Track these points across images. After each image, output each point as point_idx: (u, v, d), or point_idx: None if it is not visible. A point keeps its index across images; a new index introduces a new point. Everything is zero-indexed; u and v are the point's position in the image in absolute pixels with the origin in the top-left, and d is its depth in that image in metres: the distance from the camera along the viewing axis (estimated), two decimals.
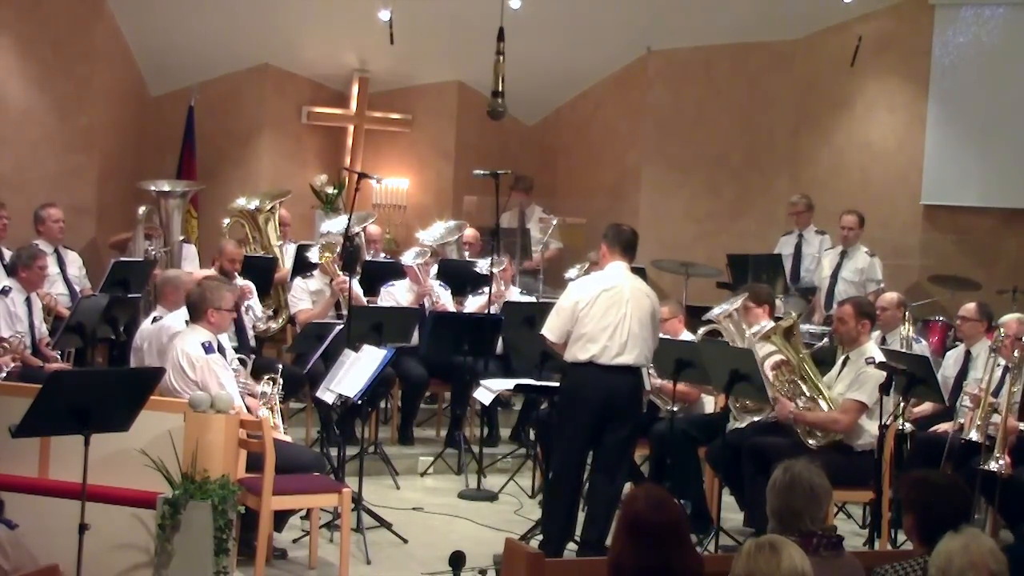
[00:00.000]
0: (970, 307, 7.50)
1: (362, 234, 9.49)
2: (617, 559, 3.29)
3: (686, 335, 7.31)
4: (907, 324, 7.81)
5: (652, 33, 11.32)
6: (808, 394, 6.42)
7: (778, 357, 6.51)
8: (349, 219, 7.81)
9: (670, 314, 7.46)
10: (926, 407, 7.17)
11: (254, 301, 8.25)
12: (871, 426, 6.22)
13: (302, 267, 8.75)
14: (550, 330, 6.08)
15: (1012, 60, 10.43)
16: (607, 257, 6.15)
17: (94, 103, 10.19)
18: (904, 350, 7.33)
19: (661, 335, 7.24)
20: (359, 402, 6.45)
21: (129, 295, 7.78)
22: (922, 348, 7.71)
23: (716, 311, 7.23)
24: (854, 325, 6.49)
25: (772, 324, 6.71)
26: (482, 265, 8.79)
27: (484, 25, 9.99)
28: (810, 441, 6.32)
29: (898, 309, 7.80)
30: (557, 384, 6.48)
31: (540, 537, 6.18)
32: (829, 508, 4.14)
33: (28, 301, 7.26)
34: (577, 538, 6.06)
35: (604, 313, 5.92)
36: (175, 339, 6.22)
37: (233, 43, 10.84)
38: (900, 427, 6.59)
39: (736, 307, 7.22)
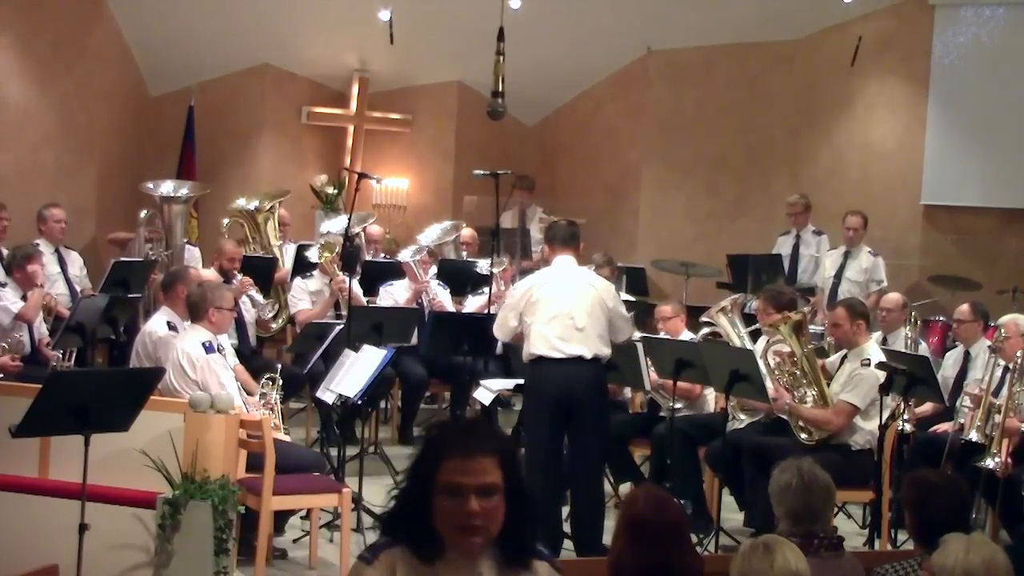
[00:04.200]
0: (964, 308, 7.49)
1: (362, 234, 9.50)
2: (617, 559, 3.29)
3: (686, 335, 7.31)
4: (912, 324, 7.80)
5: (652, 33, 11.32)
6: (806, 388, 6.41)
7: (784, 348, 6.49)
8: (349, 219, 7.82)
9: (673, 313, 7.47)
10: (926, 407, 7.17)
11: (253, 291, 8.24)
12: (867, 425, 6.22)
13: (302, 267, 8.75)
14: (497, 329, 6.25)
15: (1012, 60, 10.44)
16: (551, 254, 6.31)
17: (94, 103, 10.18)
18: (906, 351, 7.33)
19: (663, 335, 7.26)
20: (359, 402, 6.45)
21: (129, 295, 7.78)
22: (922, 350, 7.71)
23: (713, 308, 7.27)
24: (849, 327, 6.47)
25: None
26: (483, 265, 8.79)
27: (484, 25, 9.99)
28: (803, 436, 6.33)
29: (902, 311, 7.79)
30: None
31: None
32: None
33: (25, 299, 7.26)
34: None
35: (546, 307, 5.98)
36: (175, 339, 6.24)
37: (233, 43, 10.84)
38: (900, 427, 6.59)
39: (729, 302, 7.24)
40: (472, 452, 2.48)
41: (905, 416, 6.76)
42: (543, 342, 5.96)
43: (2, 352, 6.79)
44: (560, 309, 5.97)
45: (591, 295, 6.04)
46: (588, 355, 5.96)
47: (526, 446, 6.32)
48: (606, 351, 6.07)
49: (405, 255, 8.72)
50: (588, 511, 6.02)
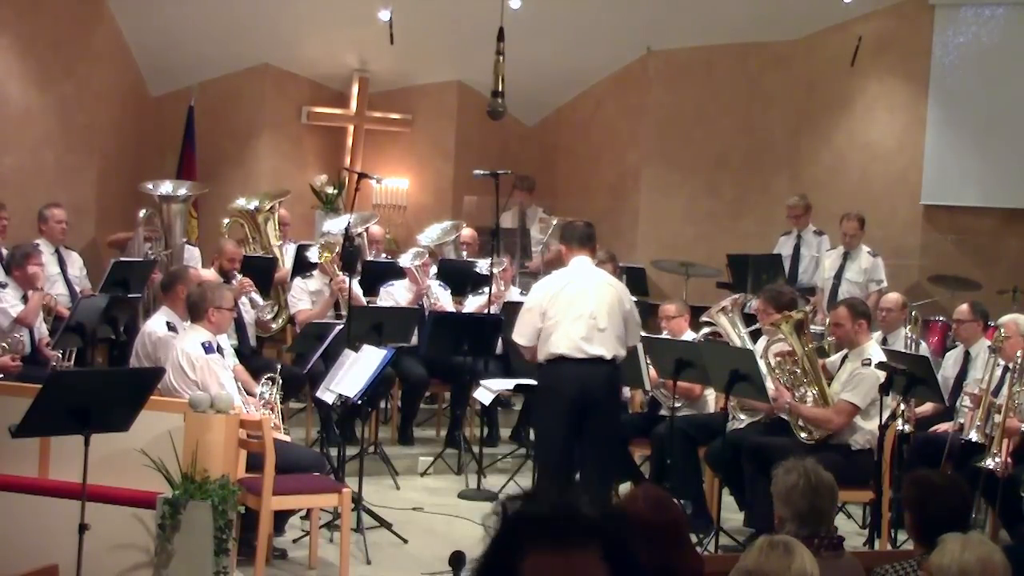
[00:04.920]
0: (963, 309, 7.49)
1: (364, 235, 9.50)
2: None
3: (689, 334, 7.31)
4: (913, 324, 7.79)
5: (652, 33, 11.32)
6: (807, 388, 6.41)
7: (784, 347, 6.50)
8: (349, 219, 7.82)
9: (677, 312, 7.48)
10: (926, 407, 7.17)
11: (252, 292, 8.24)
12: (868, 425, 6.23)
13: (302, 267, 8.75)
14: (520, 334, 6.09)
15: (1012, 60, 10.43)
16: (568, 255, 6.20)
17: (94, 103, 10.18)
18: (907, 351, 7.32)
19: (665, 335, 7.26)
20: (359, 402, 6.45)
21: (129, 295, 7.78)
22: (923, 350, 7.70)
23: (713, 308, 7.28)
24: (851, 327, 6.49)
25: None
26: (483, 265, 8.79)
27: (484, 25, 9.99)
28: (803, 435, 6.33)
29: (901, 311, 7.79)
30: None
31: None
32: None
33: (25, 299, 7.26)
34: None
35: (568, 306, 5.92)
36: (175, 340, 6.24)
37: (233, 43, 10.84)
38: (899, 428, 6.58)
39: (729, 302, 7.25)
40: (566, 547, 1.77)
41: (904, 416, 6.76)
42: (566, 341, 5.89)
43: (2, 352, 6.79)
44: (584, 309, 5.92)
45: (611, 295, 6.02)
46: (608, 355, 5.93)
47: (538, 445, 6.25)
48: (622, 352, 6.07)
49: (405, 260, 8.70)
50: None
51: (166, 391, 5.75)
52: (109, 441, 4.95)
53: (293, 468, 5.86)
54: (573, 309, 5.92)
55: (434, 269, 8.87)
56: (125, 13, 10.35)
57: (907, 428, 6.84)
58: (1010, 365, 6.54)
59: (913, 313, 7.86)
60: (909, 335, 7.73)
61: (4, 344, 6.86)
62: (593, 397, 5.92)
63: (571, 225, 6.36)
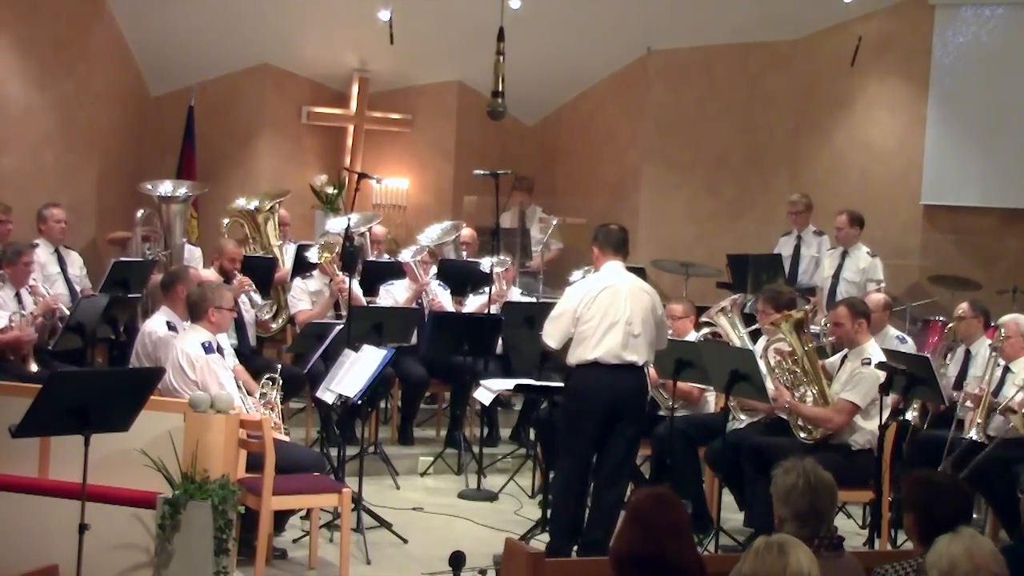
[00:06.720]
0: (964, 306, 7.50)
1: (367, 234, 9.51)
2: (619, 550, 3.30)
3: (693, 335, 7.31)
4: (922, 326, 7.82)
5: (652, 33, 11.33)
6: (807, 387, 6.41)
7: (784, 346, 6.49)
8: (348, 219, 7.82)
9: (683, 313, 7.48)
10: None
11: (251, 291, 8.23)
12: (868, 425, 6.23)
13: (302, 267, 8.75)
14: (550, 336, 6.03)
15: (1012, 60, 10.43)
16: (601, 258, 6.13)
17: (94, 103, 10.18)
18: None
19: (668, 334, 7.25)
20: (359, 402, 6.45)
21: (129, 295, 7.79)
22: (908, 348, 7.70)
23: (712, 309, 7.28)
24: (851, 326, 6.49)
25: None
26: (486, 264, 8.78)
27: (484, 25, 9.99)
28: (802, 435, 6.33)
29: (883, 312, 7.77)
30: (557, 384, 6.46)
31: (541, 538, 6.16)
32: None
33: (18, 296, 7.26)
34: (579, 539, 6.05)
35: (604, 312, 5.88)
36: (175, 340, 6.24)
37: (233, 43, 10.85)
38: (902, 420, 6.57)
39: (729, 302, 7.25)
40: None
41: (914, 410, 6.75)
42: (602, 347, 5.84)
43: (13, 329, 6.76)
44: (620, 315, 5.88)
45: (646, 302, 5.99)
46: (640, 362, 5.92)
47: (564, 447, 6.16)
48: (651, 358, 6.08)
49: (405, 255, 8.73)
50: (607, 511, 5.94)
51: (166, 391, 5.76)
52: (109, 441, 4.95)
53: (293, 468, 5.86)
54: (609, 315, 5.88)
55: (434, 270, 8.86)
56: (125, 13, 10.35)
57: (911, 417, 6.83)
58: (1011, 366, 6.55)
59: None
60: (899, 335, 7.76)
61: (13, 323, 6.83)
62: (625, 403, 5.90)
63: (607, 229, 6.24)
